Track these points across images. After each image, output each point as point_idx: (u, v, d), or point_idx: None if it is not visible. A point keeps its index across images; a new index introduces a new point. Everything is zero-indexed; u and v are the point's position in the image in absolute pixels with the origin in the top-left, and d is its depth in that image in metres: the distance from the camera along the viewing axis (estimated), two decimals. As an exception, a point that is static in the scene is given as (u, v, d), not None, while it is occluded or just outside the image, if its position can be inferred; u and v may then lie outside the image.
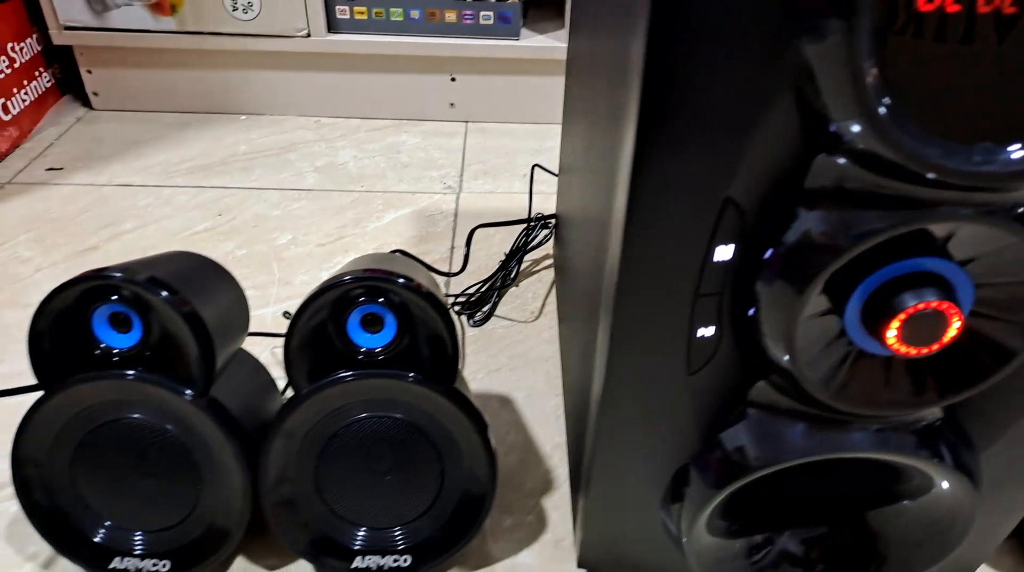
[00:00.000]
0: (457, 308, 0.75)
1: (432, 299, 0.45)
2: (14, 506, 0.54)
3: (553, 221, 0.83)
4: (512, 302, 0.77)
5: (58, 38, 1.04)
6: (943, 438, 0.38)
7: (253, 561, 0.51)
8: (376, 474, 0.48)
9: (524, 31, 1.08)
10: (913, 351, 0.32)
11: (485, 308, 0.75)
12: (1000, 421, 0.38)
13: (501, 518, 0.54)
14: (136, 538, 0.49)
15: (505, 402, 0.65)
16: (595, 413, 0.40)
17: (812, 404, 0.36)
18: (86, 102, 1.13)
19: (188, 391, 0.45)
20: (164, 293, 0.43)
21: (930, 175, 0.28)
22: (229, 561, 0.51)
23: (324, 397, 0.45)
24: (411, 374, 0.45)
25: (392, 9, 1.03)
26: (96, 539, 0.49)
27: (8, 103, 1.02)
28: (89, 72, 1.10)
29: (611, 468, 0.42)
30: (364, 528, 0.49)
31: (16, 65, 1.04)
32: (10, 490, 0.54)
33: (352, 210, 0.91)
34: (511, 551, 0.52)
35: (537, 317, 0.75)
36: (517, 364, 0.69)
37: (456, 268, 0.80)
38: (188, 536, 0.49)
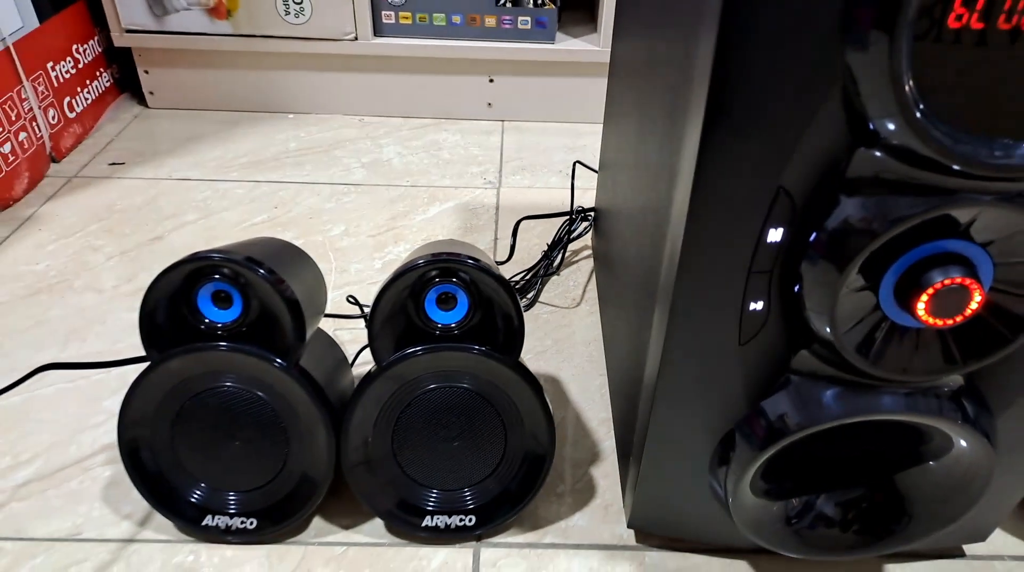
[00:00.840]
0: (504, 295, 0.80)
1: (499, 278, 0.49)
2: (107, 471, 0.60)
3: (592, 214, 0.88)
4: (555, 289, 0.82)
5: (119, 40, 1.10)
6: (965, 402, 0.42)
7: (329, 521, 0.56)
8: (446, 440, 0.53)
9: (559, 35, 1.13)
10: (940, 322, 0.37)
11: (530, 295, 0.80)
12: (1014, 388, 0.43)
13: (554, 485, 0.59)
14: (228, 497, 0.55)
15: (552, 381, 0.69)
16: (651, 385, 0.45)
17: (850, 371, 0.41)
18: (142, 100, 1.19)
19: (281, 361, 0.50)
20: (262, 272, 0.48)
21: (957, 167, 0.33)
22: (308, 521, 0.56)
23: (402, 368, 0.50)
24: (477, 347, 0.50)
25: (435, 15, 1.08)
26: (191, 499, 0.54)
27: (73, 101, 1.08)
28: (146, 72, 1.16)
29: (664, 435, 0.46)
30: (435, 490, 0.54)
31: (80, 65, 1.10)
32: (103, 456, 0.60)
33: (399, 203, 0.96)
34: (565, 514, 0.57)
35: (579, 303, 0.80)
36: (563, 346, 0.74)
37: (500, 258, 0.85)
38: (274, 497, 0.54)
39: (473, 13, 1.09)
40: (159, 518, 0.55)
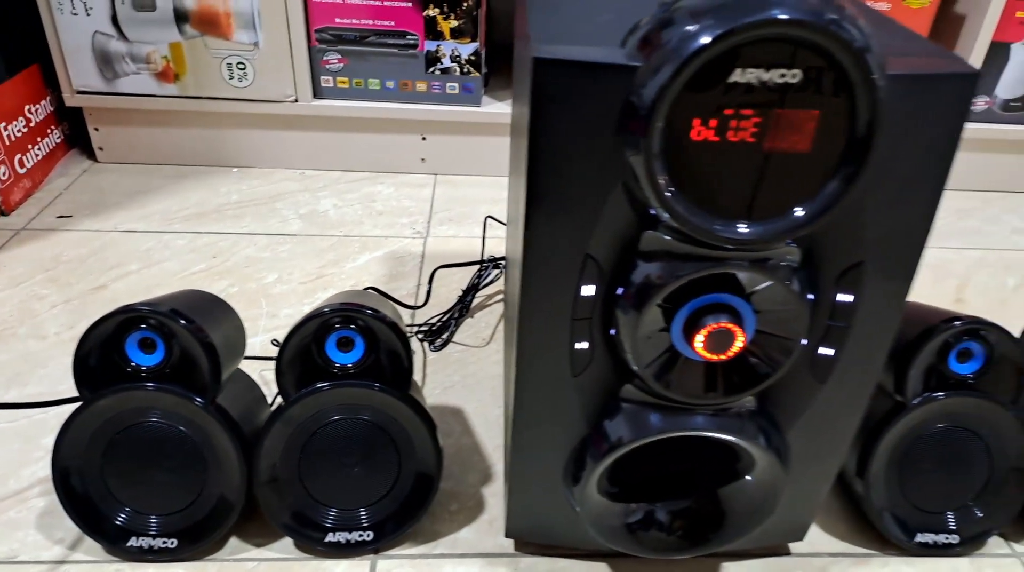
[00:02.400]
0: (420, 336, 0.88)
1: (392, 325, 0.58)
2: (43, 501, 0.66)
3: (504, 262, 0.97)
4: (468, 331, 0.91)
5: (71, 101, 1.18)
6: (758, 421, 0.52)
7: (244, 541, 0.63)
8: (346, 465, 0.61)
9: (485, 99, 1.24)
10: (715, 357, 0.46)
11: (444, 336, 0.88)
12: (794, 409, 0.53)
13: (448, 503, 0.67)
14: (151, 520, 0.61)
15: (457, 412, 0.78)
16: (510, 410, 0.54)
17: (658, 397, 0.50)
18: (92, 155, 1.26)
19: (199, 399, 0.58)
20: (183, 322, 0.56)
21: (706, 241, 0.43)
22: (224, 541, 0.63)
23: (308, 402, 0.58)
24: (375, 384, 0.58)
25: (370, 80, 1.19)
26: (118, 522, 0.61)
27: (23, 158, 1.15)
28: (96, 129, 1.23)
29: (524, 453, 0.55)
30: (336, 509, 0.62)
31: (31, 124, 1.17)
32: (39, 488, 0.67)
33: (331, 252, 1.05)
34: (454, 529, 0.65)
35: (488, 343, 0.88)
36: (469, 382, 0.82)
37: (421, 302, 0.94)
38: (192, 519, 0.61)
39: (405, 79, 1.19)
40: (89, 541, 0.62)
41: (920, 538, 0.64)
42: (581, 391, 0.52)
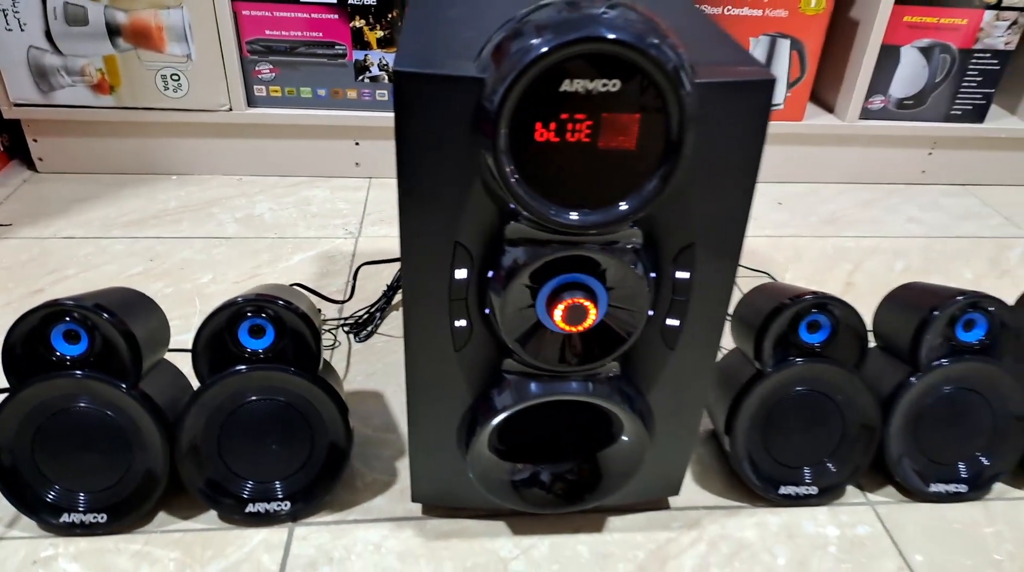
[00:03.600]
0: (346, 328, 0.94)
1: (301, 314, 0.64)
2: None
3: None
4: (393, 322, 0.97)
5: (8, 113, 1.21)
6: (620, 386, 0.59)
7: (171, 515, 0.68)
8: (263, 441, 0.67)
9: (413, 103, 1.30)
10: (573, 328, 0.54)
11: (369, 327, 0.95)
12: (653, 374, 0.60)
13: (364, 475, 0.73)
14: (80, 497, 0.66)
15: (377, 396, 0.84)
16: (407, 383, 0.60)
17: (534, 367, 0.57)
18: (31, 166, 1.30)
19: (123, 385, 0.63)
20: (106, 315, 0.62)
21: (552, 226, 0.50)
22: (152, 515, 0.68)
23: (222, 384, 0.64)
24: (285, 367, 0.64)
25: (302, 88, 1.24)
26: (49, 500, 0.66)
27: (-37, 169, 1.18)
28: (35, 141, 1.27)
29: (421, 423, 0.62)
30: (256, 482, 0.68)
31: (-29, 136, 1.20)
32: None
33: (266, 253, 1.10)
34: (368, 498, 0.71)
35: (409, 334, 0.95)
36: (390, 369, 0.89)
37: (346, 297, 1.00)
38: (120, 495, 0.67)
39: (336, 87, 1.25)
40: (24, 519, 0.66)
41: (783, 490, 0.72)
42: (465, 364, 0.58)
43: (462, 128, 0.49)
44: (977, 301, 0.69)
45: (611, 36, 0.45)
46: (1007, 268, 1.18)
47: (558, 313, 0.53)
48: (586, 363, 0.57)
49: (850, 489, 0.75)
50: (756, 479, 0.72)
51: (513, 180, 0.48)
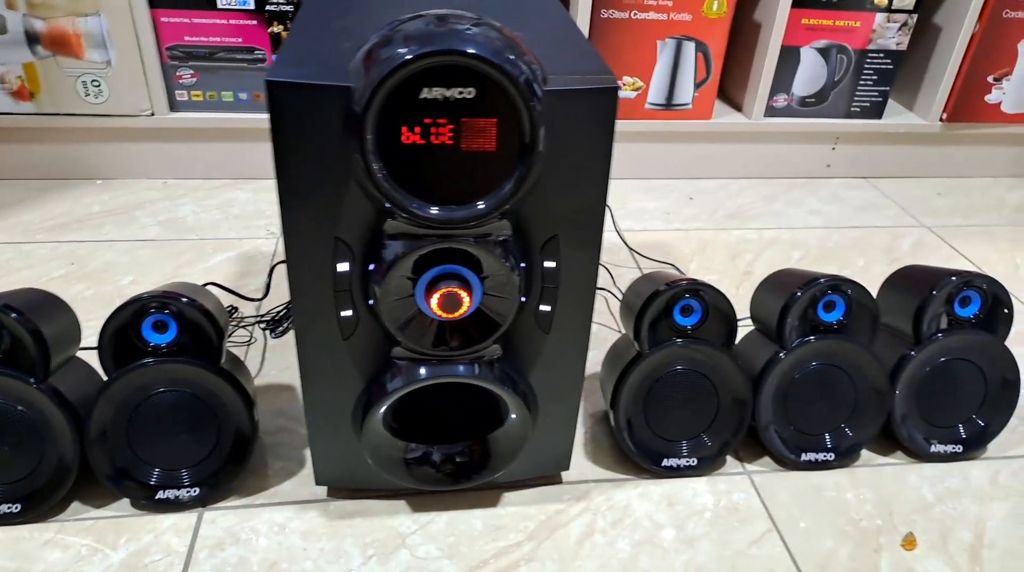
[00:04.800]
0: (262, 325, 0.98)
1: (201, 309, 0.68)
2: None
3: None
4: (311, 320, 1.01)
5: (-74, 119, 1.22)
6: (502, 368, 0.64)
7: (84, 504, 0.71)
8: (170, 431, 0.70)
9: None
10: (449, 315, 0.59)
11: (285, 324, 0.98)
12: (530, 357, 0.65)
13: (273, 462, 0.77)
14: (-5, 491, 0.69)
15: (290, 389, 0.88)
16: (300, 373, 0.65)
17: (420, 353, 0.62)
18: (-47, 172, 1.30)
19: (32, 380, 0.66)
20: (13, 314, 0.65)
21: (418, 221, 0.55)
22: (65, 504, 0.71)
23: (127, 378, 0.67)
24: (188, 360, 0.68)
25: (223, 93, 1.27)
26: (-35, 495, 0.69)
27: None
28: (-44, 147, 1.27)
29: (316, 407, 0.66)
30: (166, 470, 0.71)
31: None
32: None
33: (187, 254, 1.12)
34: (276, 483, 0.75)
35: (326, 329, 0.99)
36: (305, 364, 0.92)
37: (261, 295, 1.03)
38: (34, 485, 0.69)
39: (257, 91, 1.28)
40: (-63, 515, 0.69)
41: (664, 462, 0.78)
42: (355, 352, 0.63)
43: (334, 132, 0.53)
44: (837, 284, 0.76)
45: (467, 50, 0.50)
46: (898, 256, 1.27)
47: (435, 301, 0.58)
48: (465, 348, 0.62)
49: (730, 460, 0.81)
50: (639, 453, 0.78)
51: (380, 178, 0.53)
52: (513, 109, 0.53)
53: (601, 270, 1.11)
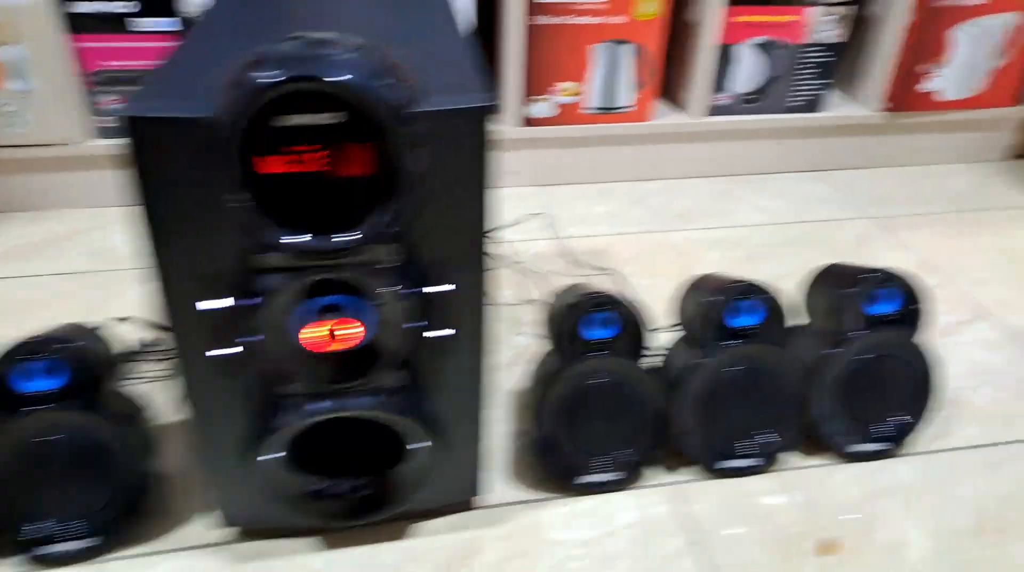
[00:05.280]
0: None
1: (80, 353, 0.66)
2: None
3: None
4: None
5: None
6: (402, 397, 0.63)
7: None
8: (63, 482, 0.67)
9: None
10: (334, 348, 0.57)
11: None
12: (431, 382, 0.64)
13: (183, 505, 0.75)
14: None
15: (210, 422, 0.86)
16: (188, 414, 0.63)
17: (312, 386, 0.60)
18: None
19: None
20: None
21: (297, 252, 0.53)
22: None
23: (15, 427, 0.65)
24: (72, 406, 0.65)
25: (150, 116, 1.24)
26: None
27: None
28: None
29: (210, 449, 0.64)
30: (63, 521, 0.69)
31: None
32: None
33: (116, 286, 1.10)
34: (184, 527, 0.72)
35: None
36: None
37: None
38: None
39: (187, 113, 1.25)
40: None
41: (587, 479, 0.77)
42: (244, 389, 0.61)
43: (199, 165, 0.51)
44: (751, 289, 0.75)
45: (321, 76, 0.49)
46: (842, 249, 1.26)
47: (319, 334, 0.56)
48: (357, 380, 0.60)
49: (654, 471, 0.80)
50: (559, 470, 0.76)
51: (249, 211, 0.51)
52: (384, 134, 0.51)
53: (536, 280, 1.10)
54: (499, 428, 0.86)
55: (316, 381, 0.59)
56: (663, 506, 0.76)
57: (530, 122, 1.37)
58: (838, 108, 1.51)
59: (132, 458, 0.68)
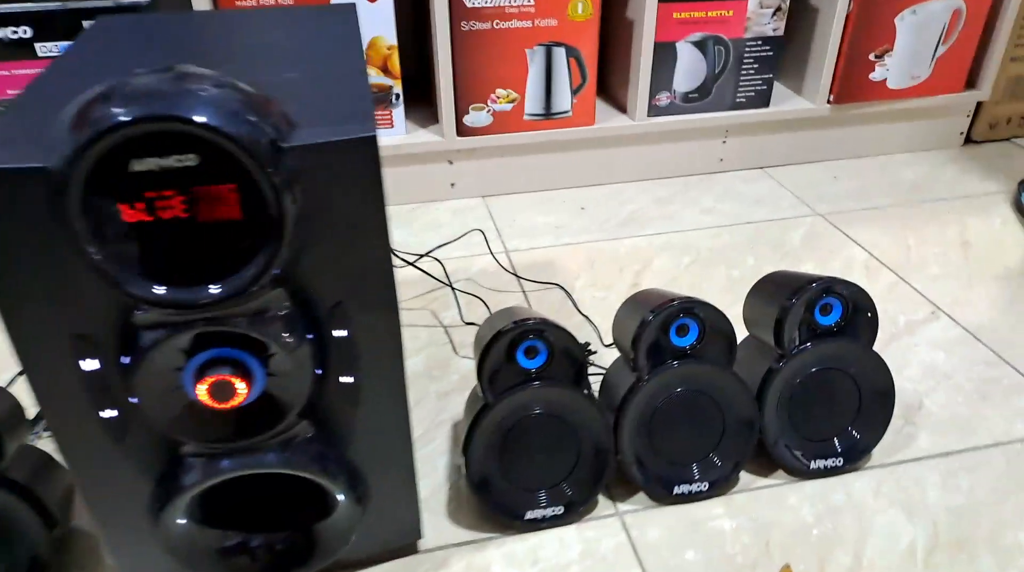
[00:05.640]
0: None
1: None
2: None
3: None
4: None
5: None
6: (313, 450, 0.57)
7: None
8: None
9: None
10: (223, 405, 0.52)
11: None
12: (345, 432, 0.59)
13: (96, 566, 0.69)
14: None
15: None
16: (77, 483, 0.57)
17: (207, 446, 0.55)
18: None
19: None
20: None
21: (166, 306, 0.48)
22: None
23: None
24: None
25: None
26: None
27: None
28: None
29: (107, 515, 0.58)
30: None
31: None
32: None
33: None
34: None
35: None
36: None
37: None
38: None
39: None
40: None
41: (529, 515, 0.72)
42: (133, 453, 0.56)
43: (47, 217, 0.46)
44: (690, 307, 0.71)
45: (184, 116, 0.44)
46: (789, 250, 1.23)
47: (203, 391, 0.51)
48: (256, 435, 0.55)
49: (602, 501, 0.76)
50: (498, 508, 0.72)
51: (101, 265, 0.46)
52: (249, 175, 0.46)
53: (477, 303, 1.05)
54: (443, 461, 0.81)
55: (207, 440, 0.54)
56: (613, 538, 0.72)
57: (467, 131, 1.33)
58: (783, 103, 1.49)
59: (33, 533, 0.62)
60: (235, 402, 0.52)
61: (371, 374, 0.57)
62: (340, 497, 0.60)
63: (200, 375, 0.51)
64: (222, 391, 0.51)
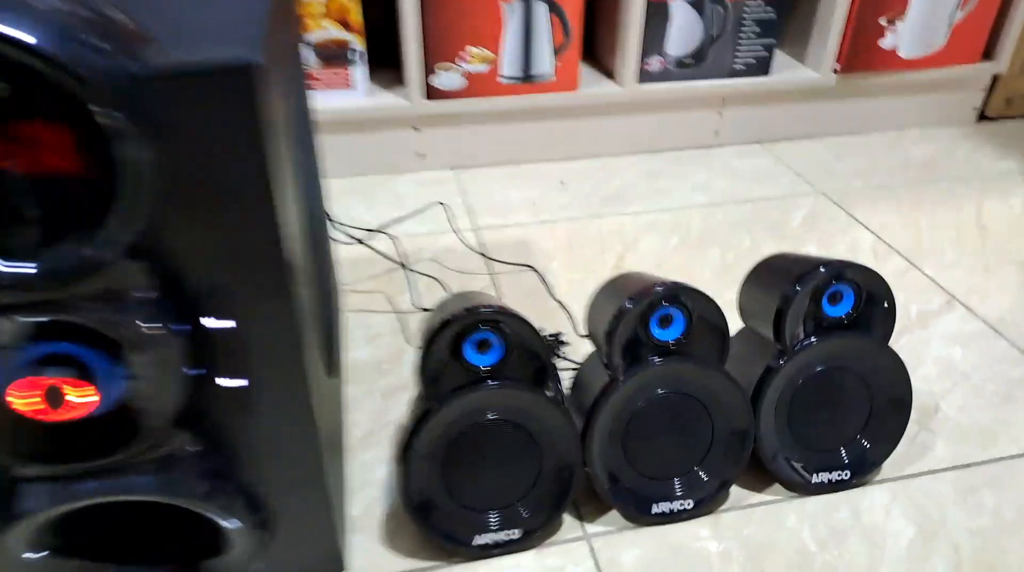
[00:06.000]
0: None
1: None
2: None
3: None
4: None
5: None
6: (192, 473, 0.46)
7: None
8: None
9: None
10: (59, 417, 0.40)
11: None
12: (242, 449, 0.47)
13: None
14: None
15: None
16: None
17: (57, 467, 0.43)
18: None
19: None
20: None
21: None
22: None
23: None
24: None
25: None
26: None
27: None
28: None
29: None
30: None
31: None
32: None
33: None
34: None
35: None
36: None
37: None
38: None
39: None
40: None
41: (478, 540, 0.61)
42: (-41, 472, 0.44)
43: None
44: (675, 294, 0.60)
45: None
46: (788, 231, 1.12)
47: (28, 401, 0.39)
48: (109, 455, 0.43)
49: (568, 521, 0.65)
50: (440, 532, 0.60)
51: None
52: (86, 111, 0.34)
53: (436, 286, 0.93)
54: (382, 472, 0.69)
55: (38, 462, 0.42)
56: (578, 566, 0.61)
57: (436, 95, 1.20)
58: (785, 71, 1.36)
59: None
60: (76, 413, 0.40)
61: (267, 376, 0.45)
62: (233, 525, 0.49)
63: (31, 376, 0.39)
64: (55, 398, 0.39)
